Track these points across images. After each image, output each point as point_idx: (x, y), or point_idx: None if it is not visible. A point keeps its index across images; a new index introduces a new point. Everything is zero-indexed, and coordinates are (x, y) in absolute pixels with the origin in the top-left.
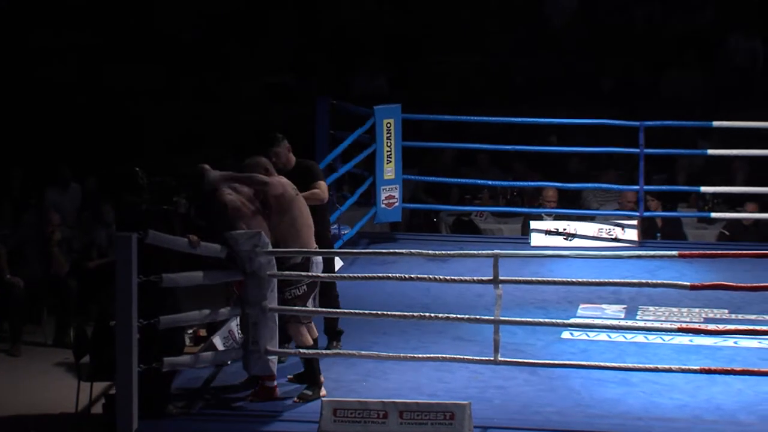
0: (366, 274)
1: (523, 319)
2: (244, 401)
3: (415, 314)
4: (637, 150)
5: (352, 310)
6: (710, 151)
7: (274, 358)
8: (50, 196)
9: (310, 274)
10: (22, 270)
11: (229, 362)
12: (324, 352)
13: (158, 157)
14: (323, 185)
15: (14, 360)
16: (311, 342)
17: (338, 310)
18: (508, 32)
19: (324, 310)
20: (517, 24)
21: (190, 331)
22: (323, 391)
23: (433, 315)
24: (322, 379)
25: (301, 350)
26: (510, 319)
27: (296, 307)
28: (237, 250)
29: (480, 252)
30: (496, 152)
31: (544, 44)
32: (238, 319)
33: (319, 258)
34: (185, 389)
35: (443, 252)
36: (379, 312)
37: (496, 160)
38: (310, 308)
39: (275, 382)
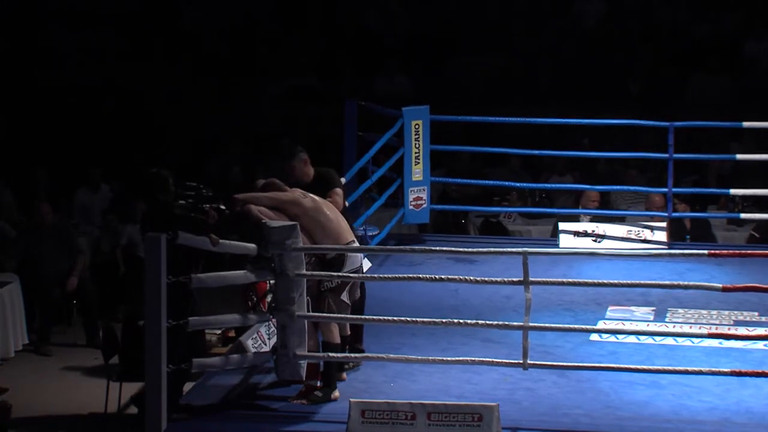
0: (395, 275)
1: (551, 325)
2: (284, 401)
3: (444, 320)
4: (666, 155)
5: (380, 317)
6: (739, 156)
7: (303, 362)
8: (81, 197)
9: (340, 274)
10: (50, 270)
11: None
12: (353, 355)
13: (183, 158)
14: (340, 192)
15: (45, 360)
16: (338, 340)
17: (366, 317)
18: (535, 34)
19: (352, 317)
20: (544, 25)
21: (219, 331)
22: (336, 394)
23: (462, 321)
24: (344, 375)
25: (329, 354)
26: (538, 325)
27: (322, 314)
28: (268, 241)
29: (508, 250)
30: (525, 154)
31: (571, 46)
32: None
33: (358, 255)
34: (215, 386)
35: (470, 250)
36: (408, 318)
37: (525, 161)
38: (338, 315)
39: (320, 382)
